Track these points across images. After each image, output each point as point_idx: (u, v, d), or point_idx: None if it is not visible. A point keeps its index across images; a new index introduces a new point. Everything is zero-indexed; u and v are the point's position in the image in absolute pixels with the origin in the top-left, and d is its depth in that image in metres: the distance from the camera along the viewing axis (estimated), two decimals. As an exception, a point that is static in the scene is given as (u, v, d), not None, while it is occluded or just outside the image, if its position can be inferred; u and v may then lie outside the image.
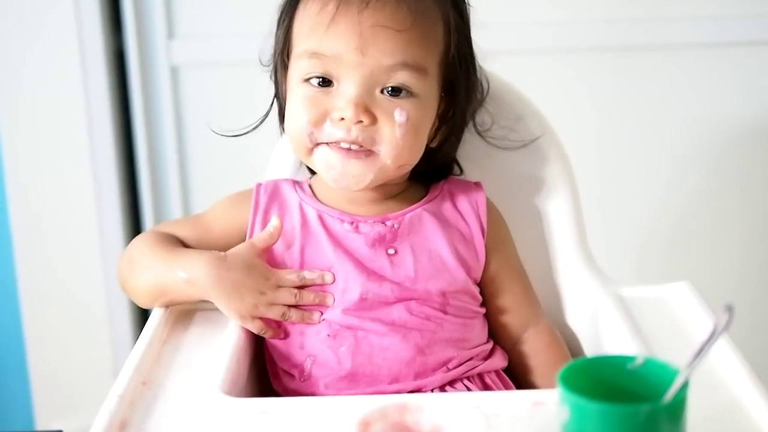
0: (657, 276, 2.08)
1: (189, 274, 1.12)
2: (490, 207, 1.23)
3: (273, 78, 1.22)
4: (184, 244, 1.20)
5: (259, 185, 1.23)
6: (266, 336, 1.13)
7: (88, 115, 2.06)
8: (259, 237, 1.15)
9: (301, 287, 1.13)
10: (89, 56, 2.03)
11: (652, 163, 2.11)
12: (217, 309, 1.14)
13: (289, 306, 1.12)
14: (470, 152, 1.29)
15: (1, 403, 2.27)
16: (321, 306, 1.13)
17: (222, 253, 1.13)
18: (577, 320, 1.29)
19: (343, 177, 1.12)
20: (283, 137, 1.32)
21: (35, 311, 2.18)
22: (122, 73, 2.11)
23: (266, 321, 1.13)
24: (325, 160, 1.12)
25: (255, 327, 1.12)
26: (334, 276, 1.13)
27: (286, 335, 1.13)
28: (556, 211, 1.32)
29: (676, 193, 2.13)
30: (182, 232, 1.21)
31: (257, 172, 1.38)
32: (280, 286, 1.12)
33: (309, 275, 1.13)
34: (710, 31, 2.03)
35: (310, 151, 1.13)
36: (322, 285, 1.13)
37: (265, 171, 1.35)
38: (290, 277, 1.13)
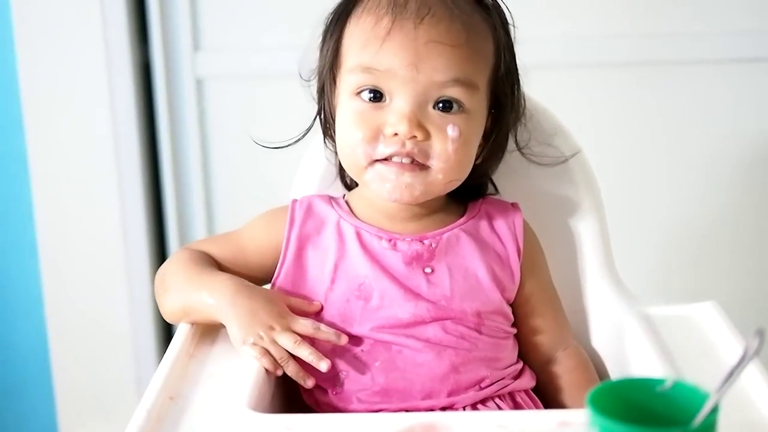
0: (681, 293, 2.07)
1: (213, 297, 1.13)
2: (527, 228, 1.23)
3: (319, 91, 1.22)
4: (219, 264, 1.20)
5: (294, 201, 1.23)
6: (262, 364, 1.09)
7: (114, 126, 2.07)
8: (297, 300, 1.15)
9: (312, 339, 1.11)
10: (116, 68, 2.04)
11: (676, 179, 2.11)
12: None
13: (290, 356, 1.10)
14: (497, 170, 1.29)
15: (25, 414, 2.28)
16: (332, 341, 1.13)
17: (249, 283, 1.14)
18: (602, 340, 1.28)
19: (396, 189, 1.12)
20: (310, 149, 1.32)
21: (59, 322, 2.19)
22: (148, 85, 2.11)
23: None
24: (379, 175, 1.12)
25: (252, 352, 1.09)
26: (348, 338, 1.12)
27: (282, 372, 1.10)
28: (583, 230, 1.32)
29: (701, 209, 2.12)
30: (217, 251, 1.22)
31: (281, 184, 1.38)
32: (290, 329, 1.10)
33: (324, 331, 1.11)
34: (737, 46, 2.02)
35: (364, 168, 1.13)
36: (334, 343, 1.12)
37: (288, 183, 1.35)
38: (305, 323, 1.11)
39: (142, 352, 2.19)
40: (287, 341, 1.09)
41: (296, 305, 1.14)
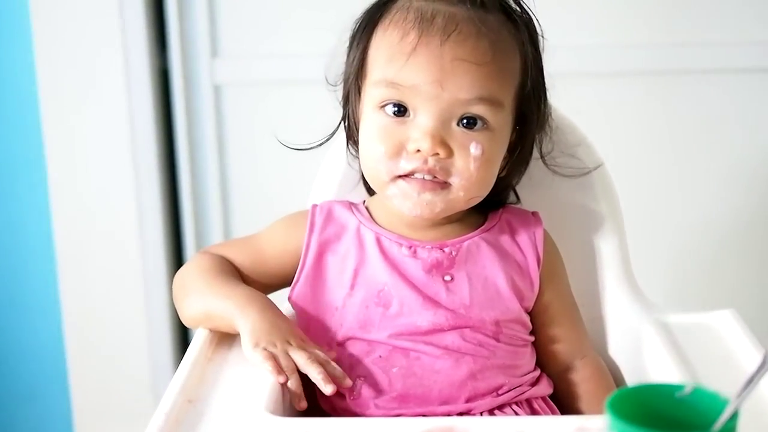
0: (698, 301, 2.07)
1: (238, 306, 1.12)
2: (547, 237, 1.22)
3: (344, 98, 1.22)
4: (239, 270, 1.20)
5: (314, 206, 1.22)
6: (266, 367, 1.06)
7: (132, 131, 2.07)
8: (314, 344, 1.12)
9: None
10: (134, 74, 2.05)
11: (694, 187, 2.11)
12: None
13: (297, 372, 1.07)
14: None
15: (41, 417, 2.28)
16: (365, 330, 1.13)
17: (275, 305, 1.14)
18: (620, 348, 1.28)
19: (417, 206, 1.12)
20: (328, 155, 1.32)
21: (76, 325, 2.19)
22: (166, 91, 2.12)
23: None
24: (401, 191, 1.12)
25: (260, 356, 1.07)
26: (353, 383, 1.11)
27: (285, 380, 1.07)
28: (601, 239, 1.32)
29: (718, 217, 2.12)
30: (236, 256, 1.21)
31: (299, 190, 1.38)
32: (305, 349, 1.08)
33: (335, 367, 1.07)
34: (756, 56, 2.02)
35: (386, 184, 1.13)
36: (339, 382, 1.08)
37: (306, 189, 1.35)
38: (319, 352, 1.08)
39: (158, 356, 2.20)
40: (300, 356, 1.07)
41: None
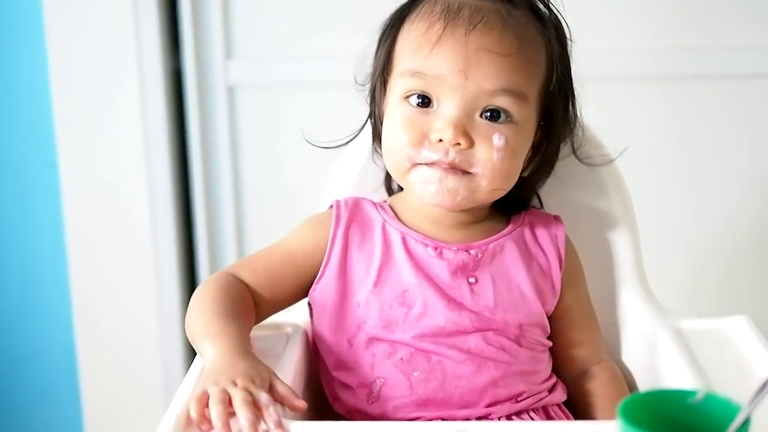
0: (711, 308, 2.07)
1: (206, 347, 1.04)
2: (567, 241, 1.23)
3: (371, 95, 1.22)
4: (256, 292, 1.15)
5: (338, 201, 1.21)
6: (191, 408, 0.95)
7: (145, 132, 2.08)
8: (285, 387, 1.00)
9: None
10: (148, 75, 2.05)
11: (708, 193, 2.10)
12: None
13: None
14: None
15: (53, 420, 2.30)
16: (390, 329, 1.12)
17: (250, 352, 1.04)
18: (634, 353, 1.28)
19: (439, 193, 1.11)
20: (342, 158, 1.32)
21: (88, 329, 2.20)
22: (179, 92, 2.13)
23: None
24: (423, 177, 1.11)
25: (195, 395, 0.96)
26: None
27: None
28: (615, 244, 1.32)
29: (732, 223, 2.12)
30: (255, 277, 1.16)
31: (312, 192, 1.38)
32: (245, 389, 0.95)
33: (270, 414, 0.93)
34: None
35: (408, 171, 1.13)
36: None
37: (319, 191, 1.35)
38: (262, 393, 0.95)
39: (169, 360, 2.20)
40: (237, 394, 0.94)
41: (283, 391, 1.00)
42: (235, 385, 0.96)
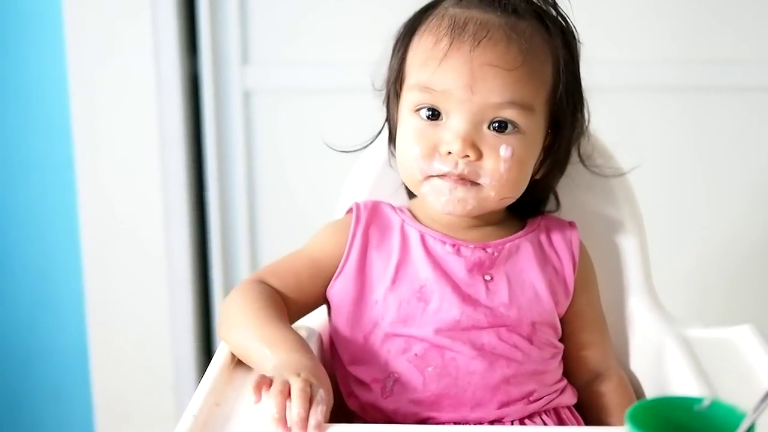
0: (718, 316, 2.07)
1: (278, 360, 1.06)
2: (582, 247, 1.25)
3: (385, 104, 1.25)
4: (286, 297, 1.18)
5: (357, 203, 1.24)
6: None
7: (161, 136, 2.09)
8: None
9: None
10: (165, 79, 2.07)
11: (716, 203, 2.11)
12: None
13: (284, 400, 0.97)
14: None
15: (64, 417, 2.30)
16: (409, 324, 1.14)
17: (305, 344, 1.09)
18: (641, 361, 1.30)
19: (449, 203, 1.14)
20: (358, 163, 1.34)
21: (100, 327, 2.21)
22: (196, 97, 2.14)
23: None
24: (434, 188, 1.15)
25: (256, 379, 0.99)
26: None
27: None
28: (623, 252, 1.33)
29: (739, 232, 2.12)
30: (284, 284, 1.18)
31: (326, 196, 1.39)
32: (306, 381, 0.99)
33: (318, 412, 0.97)
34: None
35: (421, 182, 1.16)
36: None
37: (333, 195, 1.37)
38: (321, 390, 0.99)
39: (180, 358, 2.21)
40: (296, 384, 0.98)
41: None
42: (299, 375, 0.99)
